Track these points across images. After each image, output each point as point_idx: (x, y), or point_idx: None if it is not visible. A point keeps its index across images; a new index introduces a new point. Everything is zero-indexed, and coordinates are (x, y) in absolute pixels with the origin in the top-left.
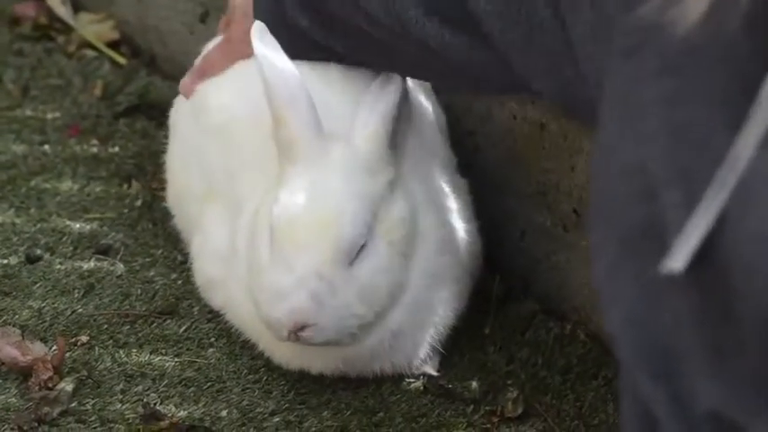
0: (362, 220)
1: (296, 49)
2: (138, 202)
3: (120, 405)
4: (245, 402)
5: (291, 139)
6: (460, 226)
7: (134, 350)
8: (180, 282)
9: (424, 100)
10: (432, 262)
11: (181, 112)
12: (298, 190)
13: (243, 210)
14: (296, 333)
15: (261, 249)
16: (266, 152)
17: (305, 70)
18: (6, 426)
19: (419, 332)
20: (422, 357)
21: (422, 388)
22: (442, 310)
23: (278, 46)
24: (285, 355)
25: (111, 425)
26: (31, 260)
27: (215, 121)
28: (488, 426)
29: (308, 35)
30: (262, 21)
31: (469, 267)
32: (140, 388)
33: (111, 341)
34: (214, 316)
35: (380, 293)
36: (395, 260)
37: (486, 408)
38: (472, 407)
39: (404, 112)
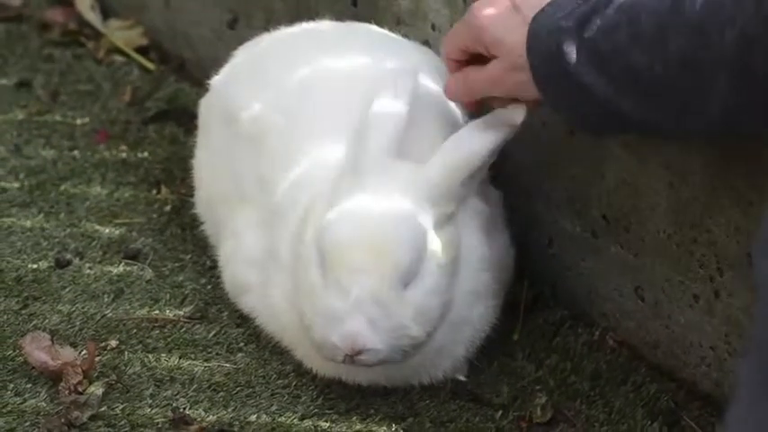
0: (419, 247)
1: (573, 105)
2: (167, 208)
3: (149, 409)
4: (273, 407)
5: (366, 153)
6: (498, 241)
7: (163, 355)
8: (209, 287)
9: (455, 108)
10: (473, 280)
11: (211, 115)
12: (353, 211)
13: (283, 219)
14: (351, 357)
15: (312, 270)
16: (300, 160)
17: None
18: (36, 429)
19: (458, 347)
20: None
21: (450, 393)
22: (479, 325)
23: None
24: (325, 366)
25: (141, 429)
26: (61, 265)
27: (247, 130)
28: (516, 429)
29: (590, 91)
30: (539, 67)
31: (505, 281)
32: (169, 392)
33: (140, 345)
34: (243, 321)
35: (433, 314)
36: (445, 281)
37: (515, 413)
38: (501, 412)
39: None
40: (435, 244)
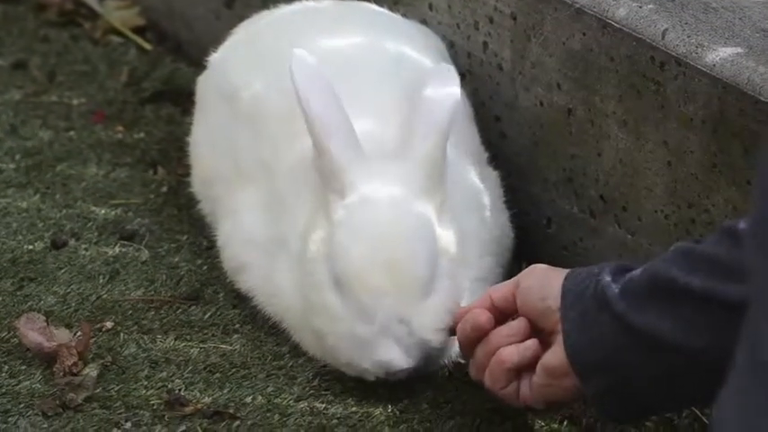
0: (433, 252)
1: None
2: (164, 188)
3: (144, 391)
4: (269, 389)
5: (337, 168)
6: (498, 222)
7: (159, 336)
8: (205, 267)
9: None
10: (476, 266)
11: (209, 93)
12: (364, 229)
13: (289, 209)
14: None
15: (326, 293)
16: (302, 147)
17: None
18: (31, 411)
19: None
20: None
21: (448, 375)
22: None
23: (319, 76)
24: (325, 353)
25: (136, 411)
26: (57, 246)
27: (247, 110)
28: (515, 410)
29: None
30: (573, 309)
31: (505, 263)
32: (165, 374)
33: (135, 327)
34: (239, 302)
35: (453, 312)
36: (457, 273)
37: None
38: None
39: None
40: (443, 239)
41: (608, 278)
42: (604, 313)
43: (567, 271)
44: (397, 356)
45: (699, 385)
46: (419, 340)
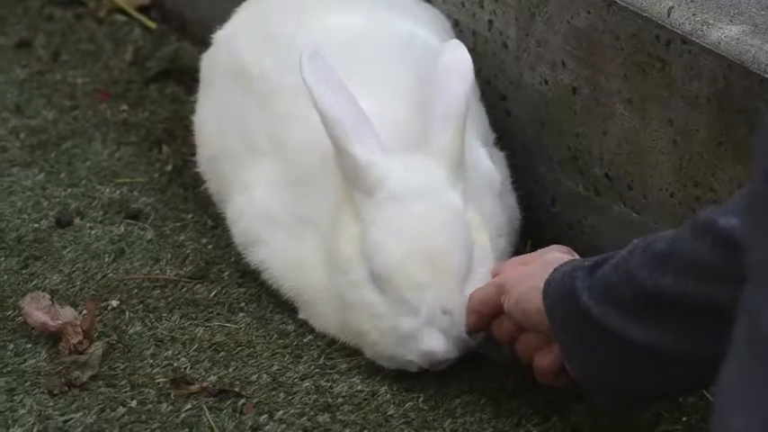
0: (468, 242)
1: (582, 335)
2: (169, 167)
3: (149, 369)
4: (275, 367)
5: (361, 168)
6: (508, 204)
7: (164, 315)
8: (210, 246)
9: None
10: (494, 248)
11: (216, 69)
12: (399, 225)
13: (315, 189)
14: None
15: (365, 290)
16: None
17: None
18: (37, 389)
19: None
20: None
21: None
22: None
23: (331, 74)
24: (339, 330)
25: (142, 389)
26: (62, 224)
27: (257, 87)
28: (520, 388)
29: (600, 323)
30: (565, 332)
31: (514, 244)
32: (170, 352)
33: (141, 305)
34: (245, 281)
35: None
36: (488, 259)
37: (518, 372)
38: (505, 371)
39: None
40: (473, 227)
41: (586, 297)
42: (598, 331)
43: (543, 279)
44: (442, 346)
45: (702, 376)
46: (461, 331)
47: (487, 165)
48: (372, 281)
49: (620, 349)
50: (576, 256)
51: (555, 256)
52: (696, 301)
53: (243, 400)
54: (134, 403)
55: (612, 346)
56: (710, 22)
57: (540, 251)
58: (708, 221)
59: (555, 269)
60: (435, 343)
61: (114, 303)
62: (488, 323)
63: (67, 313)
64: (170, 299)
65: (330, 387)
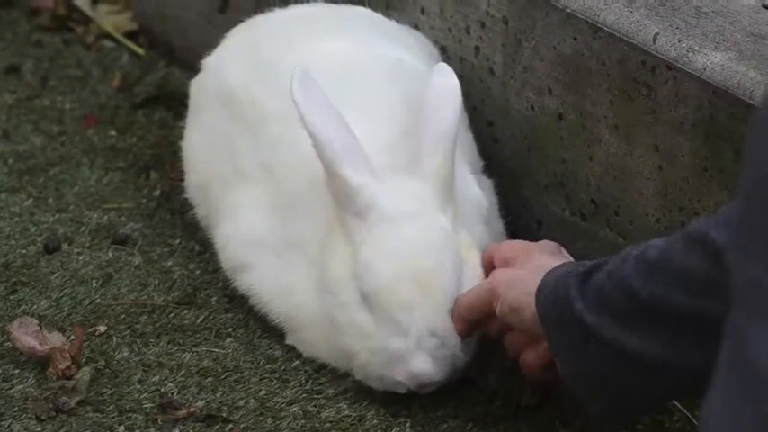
0: (457, 264)
1: (575, 344)
2: (156, 193)
3: (137, 395)
4: (262, 392)
5: (352, 191)
6: (496, 231)
7: (152, 340)
8: (198, 272)
9: None
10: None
11: (204, 96)
12: (389, 245)
13: (303, 212)
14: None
15: (354, 312)
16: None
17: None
18: (24, 415)
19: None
20: None
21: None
22: None
23: (321, 95)
24: (327, 354)
25: (129, 414)
26: (50, 250)
27: (246, 114)
28: (506, 413)
29: (594, 331)
30: (546, 316)
31: None
32: (158, 378)
33: (128, 331)
34: (232, 306)
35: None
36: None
37: (504, 397)
38: (489, 397)
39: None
40: (462, 249)
41: (580, 305)
42: (591, 340)
43: (535, 284)
44: (430, 368)
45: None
46: (453, 350)
47: (476, 191)
48: (362, 301)
49: (614, 357)
50: (565, 253)
51: (545, 261)
52: (690, 312)
53: (230, 426)
54: (122, 429)
55: (606, 355)
56: (696, 48)
57: (529, 244)
58: (700, 234)
59: (547, 273)
60: (423, 364)
61: (102, 329)
62: (476, 327)
63: (55, 338)
64: (157, 324)
65: (317, 412)
